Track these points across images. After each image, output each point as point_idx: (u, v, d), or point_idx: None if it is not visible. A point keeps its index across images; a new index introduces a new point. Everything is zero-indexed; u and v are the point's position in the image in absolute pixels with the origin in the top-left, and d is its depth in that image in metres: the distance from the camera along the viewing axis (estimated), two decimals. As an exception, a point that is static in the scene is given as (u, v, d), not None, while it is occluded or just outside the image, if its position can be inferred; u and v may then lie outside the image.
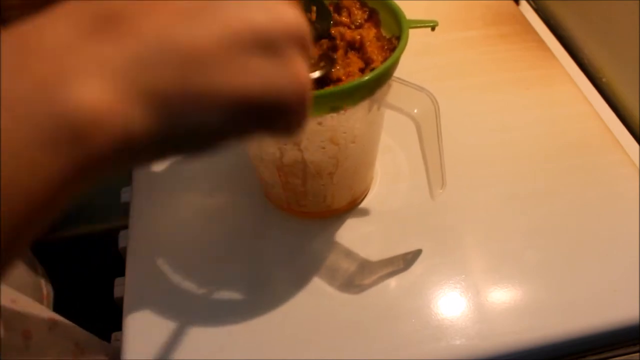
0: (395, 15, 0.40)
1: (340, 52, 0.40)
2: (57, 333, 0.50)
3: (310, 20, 0.40)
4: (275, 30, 0.20)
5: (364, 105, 0.38)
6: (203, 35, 0.18)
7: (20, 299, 0.50)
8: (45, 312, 0.51)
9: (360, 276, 0.46)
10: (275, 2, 0.20)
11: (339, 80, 0.38)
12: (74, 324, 0.54)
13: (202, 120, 0.19)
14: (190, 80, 0.18)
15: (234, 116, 0.19)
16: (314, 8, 0.41)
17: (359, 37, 0.40)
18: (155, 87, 0.17)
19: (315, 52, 0.40)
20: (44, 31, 0.17)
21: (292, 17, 0.21)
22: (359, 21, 0.42)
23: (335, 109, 0.36)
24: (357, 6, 0.42)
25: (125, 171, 0.19)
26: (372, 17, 0.42)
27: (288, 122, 0.22)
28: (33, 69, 0.16)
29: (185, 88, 0.18)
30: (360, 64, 0.40)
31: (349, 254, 0.48)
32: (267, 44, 0.19)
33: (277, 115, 0.21)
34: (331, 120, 0.39)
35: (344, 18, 0.42)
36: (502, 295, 0.44)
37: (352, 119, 0.40)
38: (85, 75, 0.16)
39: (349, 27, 0.42)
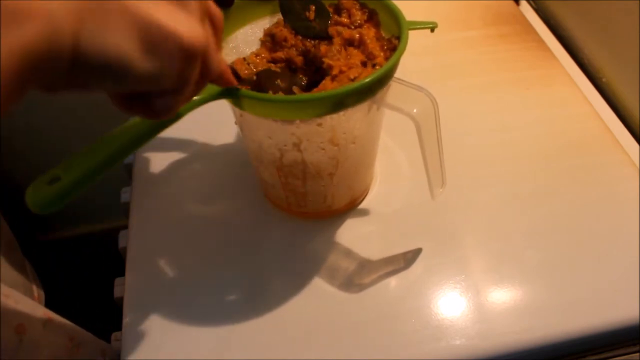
0: (395, 17, 0.40)
1: (335, 47, 0.40)
2: (51, 329, 0.50)
3: (308, 19, 0.40)
4: None
5: (363, 106, 0.38)
6: None
7: (14, 294, 0.50)
8: (39, 308, 0.51)
9: (359, 275, 0.46)
10: None
11: (341, 72, 0.38)
12: (68, 321, 0.54)
13: (109, 35, 0.22)
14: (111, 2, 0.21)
15: (134, 40, 0.22)
16: (313, 7, 0.41)
17: (359, 35, 0.40)
18: None
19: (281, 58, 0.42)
20: None
21: None
22: (359, 22, 0.42)
23: (337, 109, 0.36)
24: (357, 7, 0.42)
25: (56, 89, 0.23)
26: (372, 18, 0.42)
27: (184, 70, 0.25)
28: None
29: (106, 3, 0.21)
30: (362, 57, 0.40)
31: (348, 253, 0.48)
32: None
33: (173, 52, 0.24)
34: (331, 120, 0.39)
35: (344, 19, 0.42)
36: (502, 295, 0.44)
37: (352, 119, 0.40)
38: None
39: (349, 27, 0.42)
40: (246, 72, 0.39)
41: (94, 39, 0.21)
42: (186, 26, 0.24)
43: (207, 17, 0.27)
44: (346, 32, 0.41)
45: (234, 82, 0.34)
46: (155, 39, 0.23)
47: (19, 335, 0.46)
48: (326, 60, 0.39)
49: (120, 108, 0.28)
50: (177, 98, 0.27)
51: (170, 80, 0.25)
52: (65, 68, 0.22)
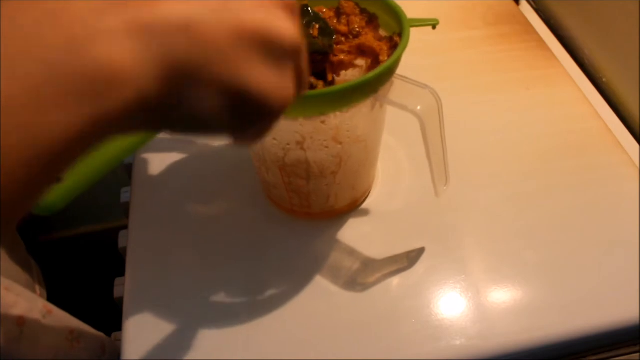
0: (396, 15, 0.40)
1: (329, 75, 0.41)
2: (50, 321, 0.51)
3: (312, 36, 0.40)
4: (282, 40, 0.22)
5: (367, 104, 0.38)
6: (218, 25, 0.20)
7: (14, 287, 0.50)
8: (39, 300, 0.52)
9: (363, 275, 0.46)
10: (285, 15, 0.22)
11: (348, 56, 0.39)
12: (67, 313, 0.54)
13: (200, 102, 0.20)
14: (199, 64, 0.20)
15: (225, 105, 0.21)
16: (317, 25, 0.41)
17: (358, 45, 0.41)
18: (170, 57, 0.19)
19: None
20: None
21: (297, 33, 0.23)
22: (357, 29, 0.42)
23: (340, 106, 0.36)
24: (357, 12, 0.42)
25: (126, 134, 0.22)
26: (372, 22, 0.42)
27: (263, 125, 0.24)
28: (64, 26, 0.17)
29: (192, 68, 0.20)
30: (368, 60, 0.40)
31: (351, 253, 0.48)
32: (272, 50, 0.22)
33: (258, 115, 0.23)
34: (334, 118, 0.39)
35: (342, 27, 0.42)
36: (502, 295, 0.44)
37: (355, 117, 0.40)
38: (110, 35, 0.18)
39: (347, 37, 0.42)
40: None
41: (180, 108, 0.20)
42: (277, 93, 0.22)
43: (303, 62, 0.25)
44: (343, 57, 0.41)
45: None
46: (245, 104, 0.22)
47: (19, 327, 0.46)
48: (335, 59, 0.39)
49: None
50: (260, 137, 0.26)
51: (253, 130, 0.25)
52: (146, 128, 0.21)
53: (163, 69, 0.19)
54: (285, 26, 0.22)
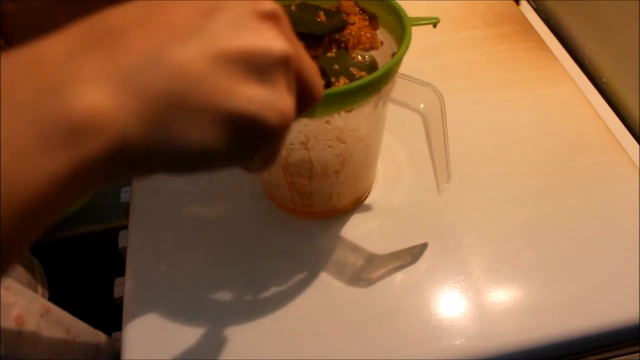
0: (397, 14, 0.40)
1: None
2: (49, 319, 0.51)
3: (320, 22, 0.40)
4: (267, 55, 0.21)
5: (370, 103, 0.39)
6: (193, 54, 0.19)
7: (14, 285, 0.50)
8: (38, 300, 0.52)
9: (367, 270, 0.46)
10: (266, 27, 0.22)
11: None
12: (66, 312, 0.54)
13: (189, 133, 0.20)
14: (180, 95, 0.19)
15: (218, 133, 0.20)
16: (321, 12, 0.41)
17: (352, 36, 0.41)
18: (148, 98, 0.19)
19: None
20: (46, 47, 0.18)
21: (280, 44, 0.22)
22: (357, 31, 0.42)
23: (344, 106, 0.36)
24: (357, 11, 0.42)
25: (120, 181, 0.21)
26: (371, 23, 0.42)
27: (267, 148, 0.23)
28: (36, 76, 0.18)
29: (174, 100, 0.19)
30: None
31: (353, 250, 0.48)
32: (257, 67, 0.21)
33: (257, 136, 0.22)
34: (339, 118, 0.39)
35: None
36: (502, 295, 0.44)
37: (359, 116, 0.40)
38: (85, 82, 0.18)
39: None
40: None
41: (170, 142, 0.20)
42: (269, 109, 0.21)
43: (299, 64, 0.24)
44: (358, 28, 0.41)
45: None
46: (238, 129, 0.21)
47: (18, 326, 0.46)
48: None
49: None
50: (267, 166, 0.25)
51: (256, 158, 0.24)
52: (138, 171, 0.21)
53: (143, 106, 0.18)
54: (268, 39, 0.21)
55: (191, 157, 0.21)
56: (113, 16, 0.20)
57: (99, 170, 0.18)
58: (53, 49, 0.18)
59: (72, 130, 0.17)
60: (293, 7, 0.41)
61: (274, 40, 0.21)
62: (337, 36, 0.39)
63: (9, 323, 0.46)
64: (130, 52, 0.19)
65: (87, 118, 0.17)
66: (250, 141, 0.22)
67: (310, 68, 0.25)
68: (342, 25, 0.40)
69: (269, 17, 0.22)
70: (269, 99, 0.21)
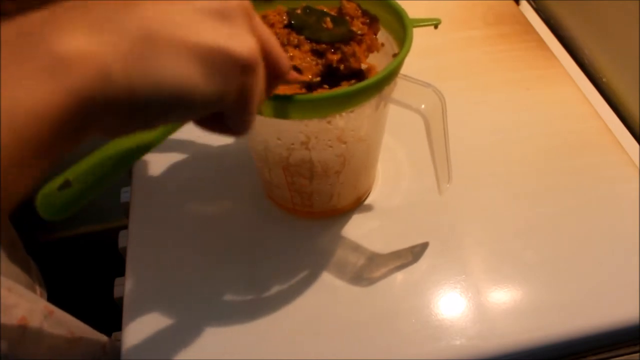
0: (399, 15, 0.40)
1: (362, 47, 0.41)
2: (52, 321, 0.51)
3: (327, 28, 0.40)
4: (228, 6, 0.24)
5: (371, 103, 0.39)
6: (166, 3, 0.22)
7: (16, 287, 0.50)
8: (40, 301, 0.52)
9: (368, 269, 0.46)
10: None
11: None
12: (68, 314, 0.54)
13: (164, 68, 0.22)
14: (154, 33, 0.22)
15: (191, 67, 0.22)
16: (327, 18, 0.41)
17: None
18: (124, 36, 0.21)
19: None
20: (28, 15, 0.21)
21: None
22: (359, 32, 0.42)
23: (346, 107, 0.36)
24: (359, 14, 0.42)
25: (108, 134, 0.24)
26: (372, 25, 0.42)
27: (240, 85, 0.25)
28: (21, 29, 0.20)
29: (148, 38, 0.21)
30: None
31: (354, 250, 0.48)
32: (219, 13, 0.24)
33: (228, 68, 0.24)
34: (340, 118, 0.39)
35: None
36: (502, 295, 0.44)
37: (360, 117, 0.40)
38: (66, 28, 0.20)
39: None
40: None
41: (149, 76, 0.21)
42: (236, 41, 0.24)
43: (256, 22, 0.27)
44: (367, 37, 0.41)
45: (299, 76, 0.34)
46: (209, 60, 0.23)
47: (21, 328, 0.46)
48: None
49: (202, 129, 0.30)
50: (247, 112, 0.27)
51: (233, 96, 0.25)
52: (125, 111, 0.22)
53: (120, 42, 0.21)
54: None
55: (169, 93, 0.22)
56: None
57: (87, 108, 0.20)
58: (34, 15, 0.21)
59: (58, 63, 0.19)
60: (299, 11, 0.41)
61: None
62: (342, 47, 0.39)
63: (12, 325, 0.46)
64: (104, 5, 0.21)
65: (70, 53, 0.19)
66: (222, 73, 0.24)
67: (275, 43, 0.28)
68: (350, 36, 0.40)
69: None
70: (233, 33, 0.24)
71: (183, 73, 0.22)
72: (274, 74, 0.28)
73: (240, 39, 0.24)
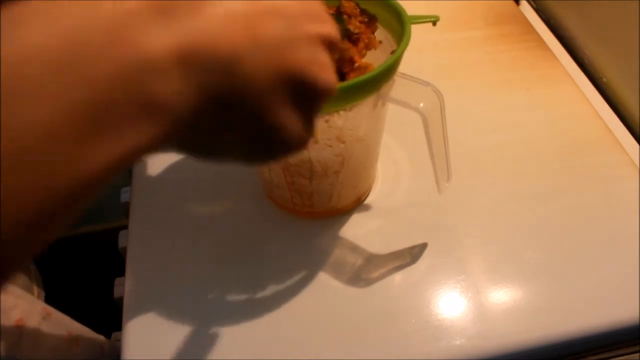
0: (397, 12, 0.40)
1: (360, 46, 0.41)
2: (50, 323, 0.51)
3: None
4: (315, 87, 0.23)
5: (369, 102, 0.38)
6: (263, 63, 0.21)
7: (14, 289, 0.50)
8: (38, 303, 0.52)
9: (366, 270, 0.46)
10: (326, 54, 0.24)
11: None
12: (67, 316, 0.54)
13: (229, 127, 0.22)
14: (237, 95, 0.20)
15: (250, 136, 0.23)
16: None
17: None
18: (210, 90, 0.19)
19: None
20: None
21: (331, 79, 0.24)
22: (357, 32, 0.42)
23: (343, 104, 0.36)
24: (357, 13, 0.42)
25: (178, 144, 0.23)
26: (370, 24, 0.42)
27: (275, 159, 0.26)
28: (117, 53, 0.17)
29: (231, 99, 0.20)
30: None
31: (353, 250, 0.48)
32: (303, 95, 0.23)
33: (275, 151, 0.24)
34: (338, 117, 0.39)
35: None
36: (502, 296, 0.44)
37: (358, 115, 0.40)
38: (160, 64, 0.18)
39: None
40: None
41: (210, 135, 0.22)
42: (299, 135, 0.24)
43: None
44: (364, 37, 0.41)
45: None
46: (266, 142, 0.23)
47: (19, 330, 0.46)
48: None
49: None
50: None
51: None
52: (171, 147, 0.22)
53: (201, 100, 0.19)
54: (320, 72, 0.23)
55: (219, 149, 0.23)
56: None
57: (144, 149, 0.19)
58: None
59: (140, 112, 0.18)
60: None
61: (326, 75, 0.24)
62: (346, 47, 0.39)
63: (9, 327, 0.46)
64: (207, 36, 0.19)
65: (154, 102, 0.18)
66: (267, 151, 0.24)
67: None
68: (346, 35, 0.40)
69: (327, 41, 0.24)
70: (302, 130, 0.24)
71: (238, 142, 0.23)
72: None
73: (303, 136, 0.24)
